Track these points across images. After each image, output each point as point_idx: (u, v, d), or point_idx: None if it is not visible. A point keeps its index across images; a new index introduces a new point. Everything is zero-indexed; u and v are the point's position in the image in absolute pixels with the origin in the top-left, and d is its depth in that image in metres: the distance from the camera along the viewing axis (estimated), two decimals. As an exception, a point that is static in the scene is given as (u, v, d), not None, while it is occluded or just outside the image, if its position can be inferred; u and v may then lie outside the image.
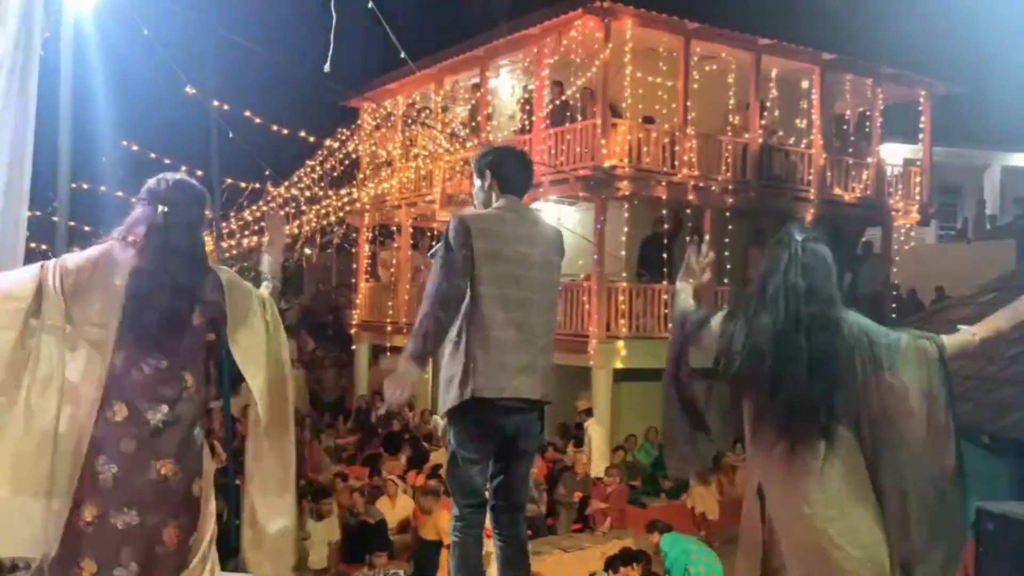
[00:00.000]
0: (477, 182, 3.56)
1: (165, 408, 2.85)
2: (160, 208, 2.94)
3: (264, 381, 3.02)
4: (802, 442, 2.65)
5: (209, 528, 2.99)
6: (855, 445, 2.66)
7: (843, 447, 2.66)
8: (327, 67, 6.89)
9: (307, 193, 16.16)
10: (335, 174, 16.42)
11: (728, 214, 13.72)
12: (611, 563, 7.62)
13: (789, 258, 2.75)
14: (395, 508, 9.50)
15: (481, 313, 3.28)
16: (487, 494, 3.44)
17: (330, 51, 6.71)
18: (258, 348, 3.02)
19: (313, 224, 16.50)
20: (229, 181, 14.31)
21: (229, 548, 3.52)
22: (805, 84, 15.22)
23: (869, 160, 15.66)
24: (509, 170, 3.52)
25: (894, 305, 15.08)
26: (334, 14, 6.24)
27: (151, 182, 3.02)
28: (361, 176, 17.31)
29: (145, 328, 2.85)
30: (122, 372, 2.84)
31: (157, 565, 2.81)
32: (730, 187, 13.68)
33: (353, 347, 18.33)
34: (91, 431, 2.77)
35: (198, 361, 2.96)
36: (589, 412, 12.60)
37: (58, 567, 2.76)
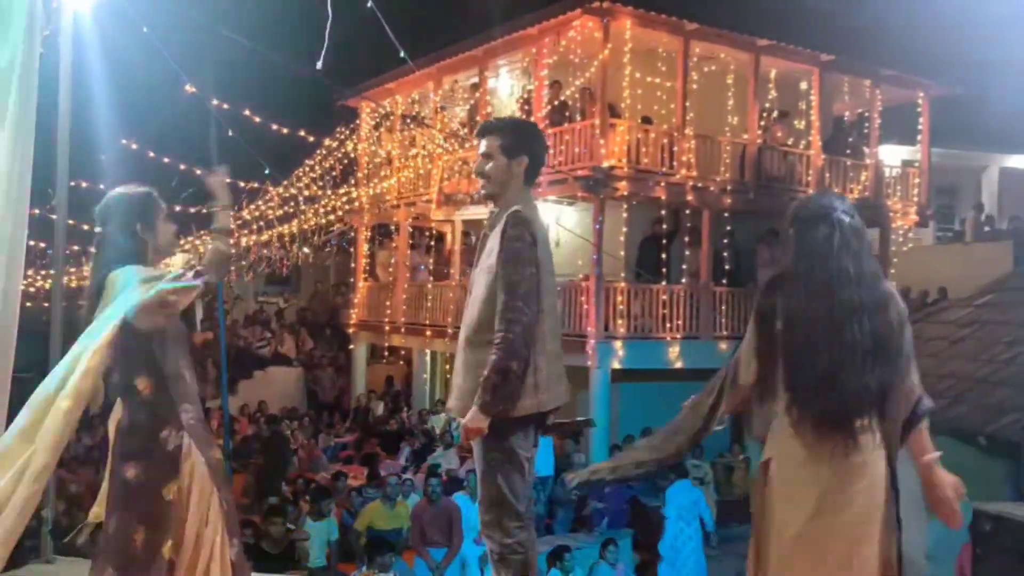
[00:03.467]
0: (507, 161, 3.28)
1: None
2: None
3: None
4: (850, 431, 2.59)
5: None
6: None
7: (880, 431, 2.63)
8: (319, 64, 6.90)
9: (306, 192, 16.16)
10: (334, 173, 16.42)
11: (726, 215, 13.73)
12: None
13: (841, 241, 2.67)
14: (392, 516, 9.12)
15: (543, 328, 3.18)
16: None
17: (323, 49, 6.71)
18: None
19: (311, 223, 16.50)
20: (228, 180, 14.28)
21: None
22: (804, 85, 15.24)
23: (867, 161, 15.69)
24: (541, 160, 3.39)
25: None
26: (330, 12, 6.24)
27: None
28: (360, 175, 17.31)
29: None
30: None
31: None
32: (728, 188, 13.70)
33: (351, 347, 18.33)
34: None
35: (148, 365, 2.95)
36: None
37: None
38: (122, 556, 2.86)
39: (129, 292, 2.89)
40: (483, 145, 3.34)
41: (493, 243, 3.20)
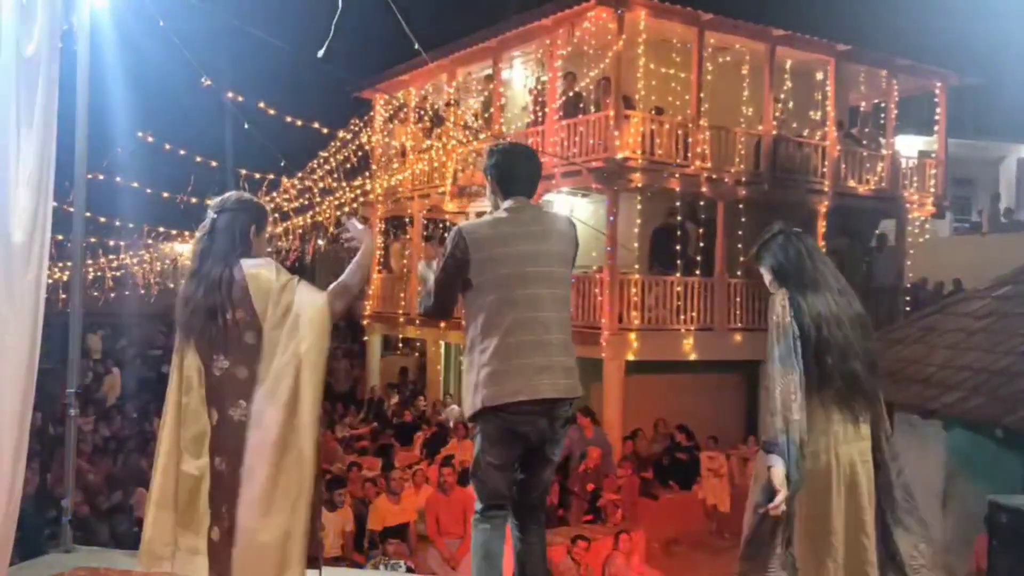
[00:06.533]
0: (487, 186, 3.55)
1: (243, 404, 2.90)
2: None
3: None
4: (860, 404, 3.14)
5: None
6: None
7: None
8: (321, 52, 6.88)
9: (320, 184, 16.19)
10: (348, 165, 16.46)
11: (741, 206, 13.68)
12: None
13: (812, 246, 3.23)
14: (399, 509, 9.18)
15: (490, 322, 3.24)
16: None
17: (328, 38, 6.71)
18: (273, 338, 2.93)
19: (326, 215, 16.54)
20: (244, 172, 14.37)
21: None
22: (820, 76, 15.14)
23: (884, 152, 15.59)
24: (510, 171, 3.47)
25: (908, 297, 15.02)
26: (340, 3, 6.24)
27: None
28: (374, 167, 17.35)
29: (192, 330, 2.96)
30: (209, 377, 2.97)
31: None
32: (743, 179, 13.65)
33: (365, 338, 18.41)
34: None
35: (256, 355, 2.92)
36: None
37: None
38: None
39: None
40: None
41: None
